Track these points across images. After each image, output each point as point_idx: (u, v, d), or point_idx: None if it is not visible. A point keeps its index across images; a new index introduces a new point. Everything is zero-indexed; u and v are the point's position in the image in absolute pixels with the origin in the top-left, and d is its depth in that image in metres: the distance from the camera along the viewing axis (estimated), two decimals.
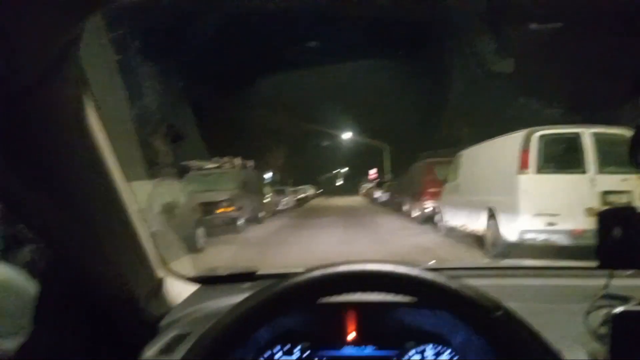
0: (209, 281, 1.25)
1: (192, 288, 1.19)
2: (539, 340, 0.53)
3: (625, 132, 6.31)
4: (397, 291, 0.57)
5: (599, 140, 6.27)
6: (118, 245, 0.85)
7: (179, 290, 1.12)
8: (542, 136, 6.35)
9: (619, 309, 0.70)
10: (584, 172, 6.21)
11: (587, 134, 6.29)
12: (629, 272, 1.04)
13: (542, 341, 0.53)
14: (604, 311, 0.82)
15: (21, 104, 0.60)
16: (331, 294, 0.58)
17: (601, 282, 0.89)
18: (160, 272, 1.02)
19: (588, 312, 0.86)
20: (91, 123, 0.72)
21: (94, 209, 0.78)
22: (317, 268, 0.58)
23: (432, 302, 0.58)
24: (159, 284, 1.02)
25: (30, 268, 0.83)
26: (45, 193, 0.70)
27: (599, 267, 0.87)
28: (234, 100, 21.82)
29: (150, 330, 0.95)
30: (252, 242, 9.91)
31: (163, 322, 0.98)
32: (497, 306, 0.54)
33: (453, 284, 0.55)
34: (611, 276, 0.88)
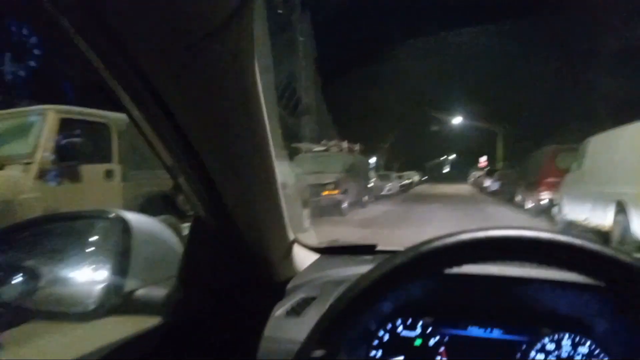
0: (331, 251, 1.29)
1: (315, 256, 1.25)
2: None
3: None
4: (545, 262, 0.51)
5: None
6: (263, 209, 0.93)
7: (303, 257, 1.18)
8: None
9: None
10: None
11: None
12: None
13: None
14: None
15: (196, 55, 0.63)
16: (465, 263, 0.53)
17: None
18: (291, 238, 1.09)
19: None
20: (254, 87, 0.76)
21: (248, 170, 0.84)
22: (447, 236, 0.54)
23: (585, 270, 0.49)
24: (289, 248, 1.08)
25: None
26: (207, 149, 0.76)
27: None
28: (345, 82, 21.95)
29: (279, 291, 1.02)
30: (355, 225, 10.00)
31: (290, 285, 1.04)
32: None
33: (607, 251, 0.48)
34: None
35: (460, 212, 12.86)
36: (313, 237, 8.03)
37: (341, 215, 11.29)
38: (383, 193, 19.47)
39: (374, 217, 11.52)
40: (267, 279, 1.00)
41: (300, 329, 0.76)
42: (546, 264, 0.51)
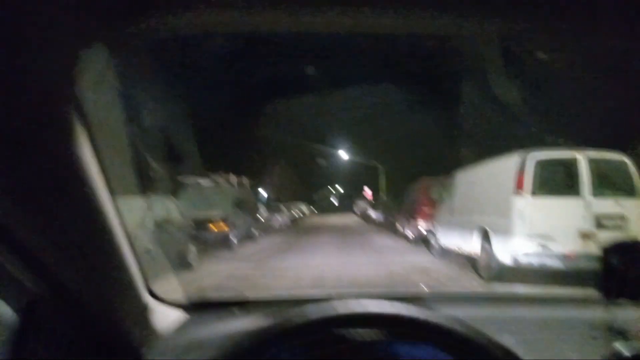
0: (198, 307, 1.21)
1: (180, 314, 1.15)
2: None
3: (620, 157, 6.36)
4: (408, 336, 0.56)
5: (594, 164, 6.30)
6: (102, 266, 0.81)
7: (166, 316, 1.07)
8: (538, 160, 6.38)
9: (623, 352, 0.68)
10: (578, 195, 6.23)
11: (583, 158, 6.33)
12: (625, 304, 1.03)
13: None
14: (600, 342, 0.81)
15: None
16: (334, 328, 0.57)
17: (598, 312, 0.88)
18: (145, 298, 0.97)
19: (588, 342, 0.84)
20: (77, 135, 0.69)
21: (79, 227, 0.75)
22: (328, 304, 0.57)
23: (444, 346, 0.55)
24: (143, 309, 0.97)
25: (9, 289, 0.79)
26: (28, 209, 0.67)
27: (597, 298, 0.85)
28: (230, 117, 21.86)
29: (135, 358, 0.90)
30: (245, 260, 9.81)
31: (148, 352, 0.93)
32: (511, 356, 0.53)
33: (465, 331, 0.53)
34: (608, 307, 0.87)
35: (349, 243, 13.29)
36: (194, 277, 7.69)
37: (231, 250, 11.01)
38: (273, 225, 19.46)
39: (263, 252, 11.41)
40: (121, 347, 0.88)
41: None
42: (411, 339, 0.55)
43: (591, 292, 0.83)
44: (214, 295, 1.27)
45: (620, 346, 0.67)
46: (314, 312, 0.56)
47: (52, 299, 0.75)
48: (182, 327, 1.08)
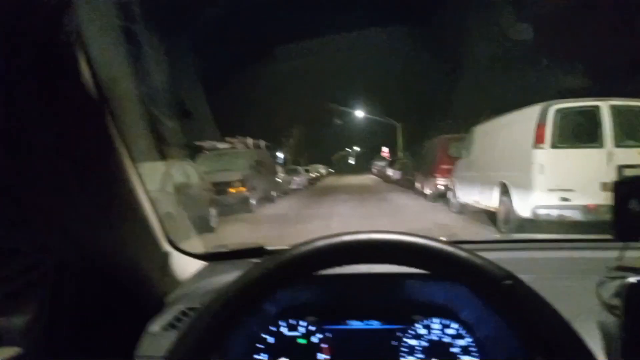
0: (217, 257, 1.25)
1: (200, 264, 1.19)
2: (549, 310, 0.51)
3: None
4: (402, 262, 0.55)
5: (617, 113, 6.11)
6: (123, 219, 0.85)
7: (186, 266, 1.12)
8: (558, 110, 6.21)
9: (631, 279, 0.68)
10: (600, 146, 6.08)
11: (605, 107, 6.13)
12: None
13: (552, 311, 0.51)
14: (616, 282, 0.80)
15: (22, 71, 0.59)
16: (335, 265, 0.56)
17: (615, 254, 0.87)
18: (166, 247, 1.02)
19: (600, 284, 0.84)
20: (96, 97, 0.71)
21: (100, 183, 0.77)
22: (319, 239, 0.56)
23: (440, 271, 0.55)
24: (164, 259, 1.01)
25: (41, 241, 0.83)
26: (52, 166, 0.69)
27: (613, 239, 0.84)
28: (246, 78, 21.70)
29: (157, 305, 0.95)
30: (265, 221, 9.97)
31: (170, 297, 0.98)
32: (507, 275, 0.52)
33: (461, 253, 0.53)
34: (625, 248, 0.86)
35: (366, 203, 13.35)
36: (216, 239, 7.87)
37: (250, 212, 11.18)
38: (292, 187, 19.60)
39: (283, 212, 11.56)
40: (145, 294, 0.93)
41: None
42: (403, 265, 0.55)
43: (607, 235, 0.82)
44: (232, 246, 1.31)
45: (629, 277, 0.67)
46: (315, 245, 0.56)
47: (77, 254, 0.79)
48: (201, 275, 1.12)
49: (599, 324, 0.74)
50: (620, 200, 0.79)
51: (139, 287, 0.92)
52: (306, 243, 0.56)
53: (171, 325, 0.89)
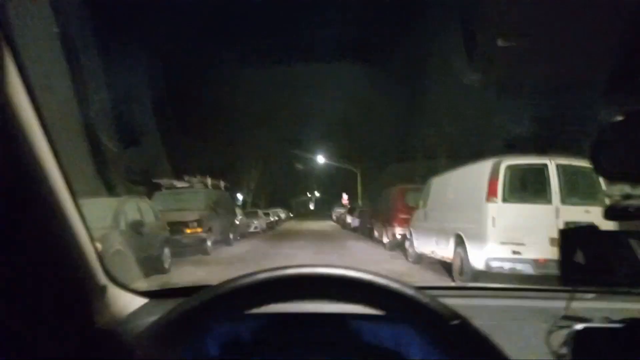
0: (160, 295, 1.20)
1: (142, 301, 1.14)
2: (496, 352, 0.52)
3: (588, 164, 6.54)
4: (347, 298, 0.54)
5: (563, 171, 6.47)
6: (56, 249, 0.80)
7: (126, 303, 1.06)
8: (509, 166, 6.52)
9: (579, 326, 0.70)
10: (549, 202, 6.38)
11: (552, 166, 6.48)
12: (590, 295, 1.05)
13: (499, 353, 0.52)
14: (564, 332, 0.83)
15: None
16: (268, 302, 0.53)
17: (563, 304, 0.90)
18: (103, 282, 0.96)
19: (550, 332, 0.86)
20: (29, 121, 0.67)
21: (33, 216, 0.73)
22: (253, 274, 0.54)
23: (386, 308, 0.54)
24: (101, 295, 0.95)
25: None
26: None
27: (561, 288, 0.88)
28: (209, 116, 21.69)
29: (93, 342, 0.89)
30: (221, 263, 9.71)
31: (106, 334, 0.92)
32: (454, 315, 0.52)
33: (409, 290, 0.53)
34: (572, 298, 0.89)
35: (325, 249, 13.29)
36: (168, 281, 7.57)
37: (206, 254, 10.89)
38: (250, 230, 19.33)
39: (239, 255, 11.31)
40: (74, 328, 0.86)
41: None
42: (348, 301, 0.54)
43: (556, 285, 0.86)
44: (176, 284, 1.25)
45: (575, 326, 0.70)
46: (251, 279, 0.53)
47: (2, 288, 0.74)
48: (140, 312, 1.07)
49: None
50: (566, 249, 0.83)
51: (72, 319, 0.85)
52: (239, 278, 0.53)
53: None
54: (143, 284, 1.30)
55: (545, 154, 6.84)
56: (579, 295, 0.90)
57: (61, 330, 0.84)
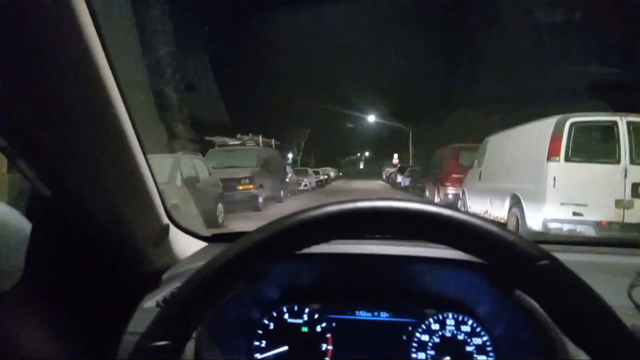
0: (218, 239, 1.20)
1: (201, 245, 1.15)
2: (591, 294, 0.45)
3: None
4: (421, 235, 0.47)
5: (634, 129, 6.00)
6: (122, 190, 0.81)
7: (187, 245, 1.08)
8: (574, 123, 6.12)
9: None
10: (616, 162, 5.97)
11: (622, 123, 6.02)
12: None
13: (594, 295, 0.45)
14: None
15: (29, 44, 0.56)
16: (328, 238, 0.49)
17: None
18: (165, 221, 0.98)
19: (632, 286, 0.79)
20: (103, 74, 0.68)
21: (100, 151, 0.73)
22: (309, 210, 0.50)
23: (466, 246, 0.47)
24: (163, 234, 0.97)
25: (31, 208, 0.79)
26: (51, 131, 0.66)
27: None
28: (261, 77, 21.80)
29: (153, 281, 0.91)
30: (272, 219, 9.92)
31: (166, 274, 0.94)
32: (545, 254, 0.46)
33: (492, 227, 0.46)
34: None
35: None
36: (204, 227, 7.85)
37: (257, 210, 11.16)
38: (300, 188, 19.59)
39: (290, 211, 11.49)
40: (138, 267, 0.88)
41: None
42: (425, 239, 0.48)
43: (637, 238, 0.77)
44: (238, 228, 1.26)
45: None
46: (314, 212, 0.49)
47: (66, 203, 0.75)
48: (200, 254, 1.08)
49: (631, 327, 0.69)
50: None
51: (135, 260, 0.88)
52: (293, 215, 0.50)
53: (165, 302, 0.85)
54: (200, 228, 1.32)
55: (616, 111, 6.37)
56: None
57: (128, 268, 0.86)
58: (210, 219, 8.24)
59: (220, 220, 8.80)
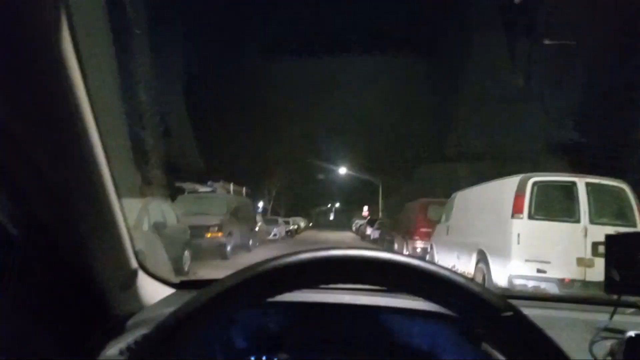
0: (186, 286, 1.19)
1: (168, 291, 1.14)
2: (552, 345, 0.48)
3: (620, 184, 6.37)
4: (393, 284, 0.50)
5: (592, 190, 6.30)
6: (93, 230, 0.80)
7: (154, 291, 1.06)
8: (536, 182, 6.38)
9: (624, 337, 0.67)
10: (577, 221, 6.21)
11: (582, 184, 6.32)
12: (631, 309, 1.01)
13: (556, 347, 0.48)
14: (609, 342, 0.79)
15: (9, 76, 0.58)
16: (293, 288, 0.50)
17: (606, 316, 0.87)
18: (135, 268, 0.97)
19: (593, 342, 0.82)
20: (82, 107, 0.69)
21: (73, 187, 0.74)
22: (278, 257, 0.51)
23: (433, 297, 0.50)
24: (131, 279, 0.96)
25: None
26: (23, 161, 0.66)
27: (600, 302, 0.84)
28: (233, 123, 21.96)
29: (118, 327, 0.89)
30: (239, 269, 9.72)
31: (131, 321, 0.92)
32: (509, 306, 0.49)
33: (459, 278, 0.49)
34: (615, 311, 0.86)
35: None
36: (172, 272, 7.63)
37: (225, 258, 10.94)
38: (270, 237, 19.38)
39: (257, 261, 11.29)
40: (102, 312, 0.87)
41: None
42: (395, 288, 0.50)
43: (598, 296, 0.82)
44: (204, 275, 1.25)
45: (624, 333, 0.66)
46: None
47: (42, 258, 0.74)
48: (167, 301, 1.07)
49: None
50: (610, 261, 0.80)
51: (101, 303, 0.86)
52: (262, 263, 0.51)
53: (129, 350, 0.83)
54: (167, 273, 1.30)
55: (575, 172, 6.70)
56: (620, 309, 0.86)
57: (92, 312, 0.84)
58: (176, 266, 8.01)
59: (186, 268, 8.57)
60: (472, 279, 0.50)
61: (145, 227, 7.16)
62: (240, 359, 0.98)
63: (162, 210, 8.21)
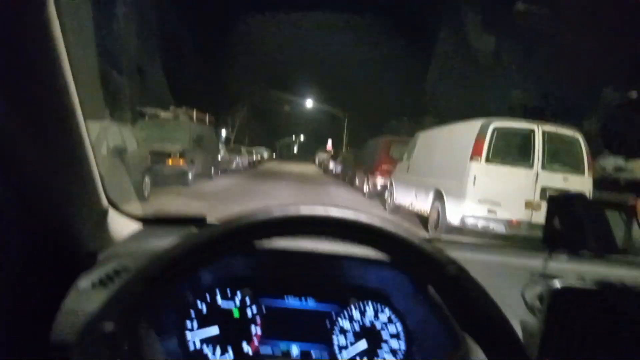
0: (155, 222, 1.21)
1: (137, 226, 1.15)
2: (487, 297, 0.54)
3: (574, 133, 6.63)
4: (345, 237, 0.56)
5: (549, 138, 6.54)
6: (65, 170, 0.80)
7: (123, 227, 1.08)
8: (497, 128, 6.55)
9: (556, 284, 0.73)
10: (530, 167, 6.49)
11: (540, 132, 6.54)
12: (566, 256, 1.09)
13: (489, 298, 0.54)
14: (539, 288, 0.87)
15: None
16: (274, 236, 0.56)
17: (540, 262, 0.94)
18: (104, 204, 0.98)
19: (525, 287, 0.90)
20: (56, 44, 0.69)
21: (46, 127, 0.73)
22: (262, 211, 0.56)
23: (384, 251, 0.56)
24: (102, 216, 0.97)
25: None
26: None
27: (537, 250, 0.91)
28: (203, 53, 21.05)
29: (88, 261, 0.91)
30: (200, 197, 9.75)
31: (102, 255, 0.94)
32: (451, 261, 0.54)
33: (406, 234, 0.54)
34: (549, 257, 0.93)
35: (305, 190, 13.42)
36: (147, 207, 7.62)
37: (186, 186, 10.90)
38: (232, 167, 19.33)
39: (219, 190, 11.35)
40: (76, 249, 0.88)
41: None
42: (341, 240, 0.56)
43: (534, 244, 0.89)
44: (172, 212, 1.27)
45: (552, 283, 0.73)
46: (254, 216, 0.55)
47: (10, 198, 0.74)
48: (136, 237, 1.09)
49: (521, 324, 0.80)
50: (551, 213, 0.87)
51: (71, 240, 0.87)
52: (248, 215, 0.56)
53: (101, 283, 0.86)
54: (134, 207, 1.31)
55: (535, 120, 6.89)
56: (555, 255, 0.94)
57: (63, 248, 0.85)
58: (136, 192, 7.93)
59: (145, 194, 8.51)
60: (418, 237, 0.55)
61: (104, 151, 6.97)
62: (206, 292, 1.03)
63: (121, 134, 7.97)
